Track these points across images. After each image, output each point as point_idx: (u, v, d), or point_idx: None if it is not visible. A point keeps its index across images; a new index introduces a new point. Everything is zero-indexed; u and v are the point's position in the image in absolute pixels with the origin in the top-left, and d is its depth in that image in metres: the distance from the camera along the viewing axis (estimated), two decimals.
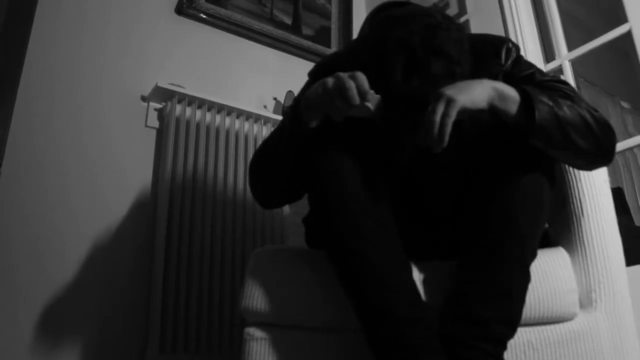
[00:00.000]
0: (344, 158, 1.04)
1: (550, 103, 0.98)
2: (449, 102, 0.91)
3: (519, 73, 1.15)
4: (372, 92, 0.97)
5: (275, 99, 2.43)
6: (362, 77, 0.97)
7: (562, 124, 0.97)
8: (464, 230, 1.05)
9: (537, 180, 1.02)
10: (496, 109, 0.96)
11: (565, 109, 0.99)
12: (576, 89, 2.23)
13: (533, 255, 1.03)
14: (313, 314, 1.13)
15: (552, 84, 1.11)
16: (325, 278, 1.14)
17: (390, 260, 1.00)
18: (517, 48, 1.19)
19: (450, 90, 0.93)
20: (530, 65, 1.18)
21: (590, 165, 1.11)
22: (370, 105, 0.97)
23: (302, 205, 1.76)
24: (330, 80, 0.99)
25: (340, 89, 0.97)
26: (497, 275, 0.98)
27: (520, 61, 1.18)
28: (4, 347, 1.65)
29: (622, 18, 2.02)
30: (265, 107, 2.44)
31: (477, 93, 0.94)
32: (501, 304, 0.97)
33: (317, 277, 1.15)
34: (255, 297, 1.13)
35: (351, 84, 0.96)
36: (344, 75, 0.98)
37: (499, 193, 1.01)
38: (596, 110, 1.05)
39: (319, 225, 1.09)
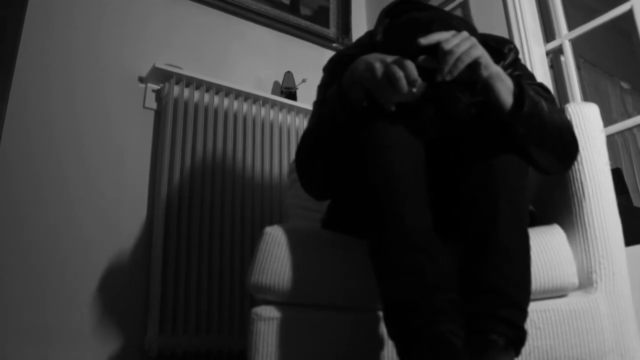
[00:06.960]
0: (388, 130, 1.05)
1: (536, 99, 1.07)
2: (473, 46, 0.98)
3: (512, 72, 1.23)
4: (419, 79, 0.99)
5: (288, 72, 2.43)
6: (410, 66, 0.99)
7: (543, 120, 1.06)
8: (458, 208, 1.07)
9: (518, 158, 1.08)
10: (491, 87, 1.02)
11: (546, 109, 1.08)
12: (576, 69, 2.23)
13: (526, 217, 1.07)
14: (327, 292, 1.13)
15: (536, 88, 1.21)
16: (339, 257, 1.16)
17: (427, 231, 1.00)
18: (517, 51, 1.32)
19: (473, 40, 1.00)
20: (524, 69, 1.32)
21: (549, 167, 1.15)
22: (416, 91, 1.00)
23: (301, 188, 1.76)
24: (378, 67, 1.02)
25: (390, 78, 0.99)
26: (498, 243, 0.99)
27: (517, 63, 1.30)
28: (1, 334, 1.67)
29: None
30: (280, 81, 2.47)
31: (489, 57, 1.02)
32: (509, 270, 0.98)
33: (331, 256, 1.16)
34: (266, 273, 1.11)
35: (400, 74, 0.98)
36: (392, 63, 1.00)
37: (482, 169, 1.05)
38: (569, 121, 1.17)
39: (359, 196, 1.07)
